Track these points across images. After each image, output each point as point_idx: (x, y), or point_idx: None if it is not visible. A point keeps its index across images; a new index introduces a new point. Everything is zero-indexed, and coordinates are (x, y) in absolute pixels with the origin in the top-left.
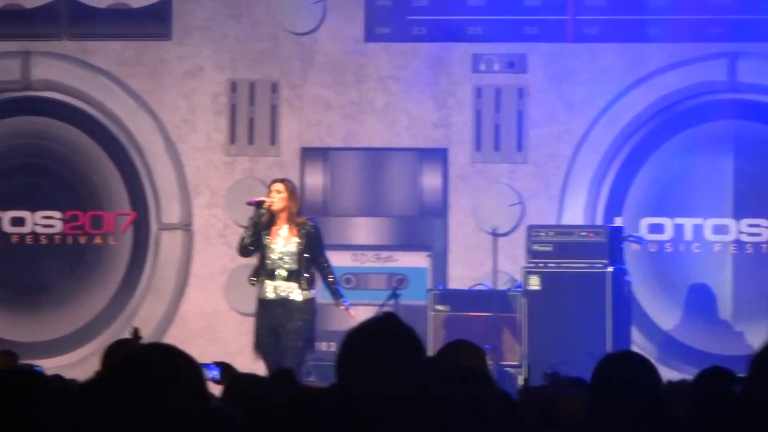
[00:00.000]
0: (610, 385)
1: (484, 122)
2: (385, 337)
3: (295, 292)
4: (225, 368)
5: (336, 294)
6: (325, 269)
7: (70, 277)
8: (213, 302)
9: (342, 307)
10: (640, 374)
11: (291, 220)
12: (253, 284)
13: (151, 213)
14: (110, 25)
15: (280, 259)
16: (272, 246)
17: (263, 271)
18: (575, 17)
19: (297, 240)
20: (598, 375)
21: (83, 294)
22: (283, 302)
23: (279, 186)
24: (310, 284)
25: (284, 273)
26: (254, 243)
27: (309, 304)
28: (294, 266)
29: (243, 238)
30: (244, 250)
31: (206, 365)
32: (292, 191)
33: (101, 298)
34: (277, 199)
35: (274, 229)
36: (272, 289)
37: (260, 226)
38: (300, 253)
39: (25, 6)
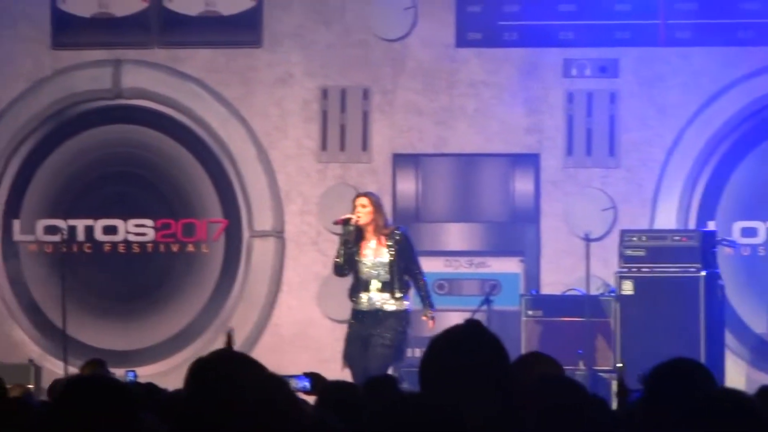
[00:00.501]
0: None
1: (576, 127)
2: (469, 344)
3: (388, 303)
4: (315, 378)
5: (425, 302)
6: (416, 277)
7: (162, 285)
8: (305, 309)
9: (424, 318)
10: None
11: (379, 232)
12: (354, 301)
13: (243, 220)
14: (201, 33)
15: (372, 271)
16: (363, 260)
17: (359, 285)
18: (666, 21)
19: (387, 250)
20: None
21: (176, 302)
22: (376, 312)
23: (363, 200)
24: (403, 294)
25: (378, 284)
26: (347, 261)
27: (402, 314)
28: (386, 277)
29: (336, 258)
30: (338, 270)
31: (296, 376)
32: (376, 204)
33: (194, 306)
34: (363, 213)
35: (363, 243)
36: (366, 300)
37: (350, 243)
38: (391, 263)
39: (116, 14)
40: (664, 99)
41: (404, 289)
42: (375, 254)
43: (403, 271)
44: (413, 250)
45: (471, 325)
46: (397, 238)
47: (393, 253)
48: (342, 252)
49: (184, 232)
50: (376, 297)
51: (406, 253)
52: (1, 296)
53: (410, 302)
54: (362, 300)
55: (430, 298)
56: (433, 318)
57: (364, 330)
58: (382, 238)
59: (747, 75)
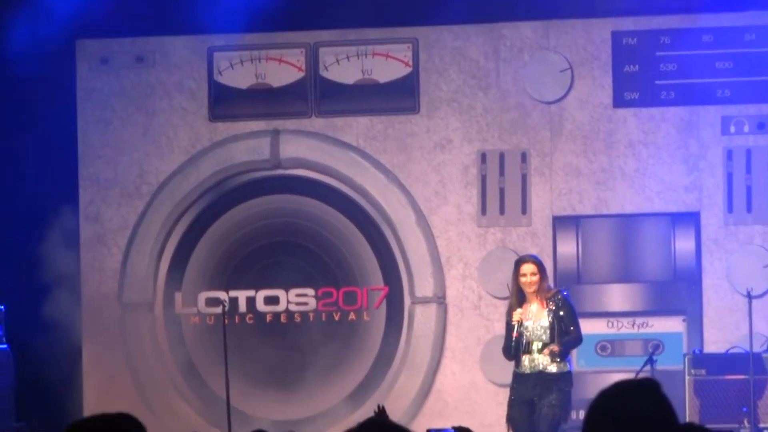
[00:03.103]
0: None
1: (736, 184)
2: (643, 399)
3: (551, 365)
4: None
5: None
6: (572, 335)
7: (325, 354)
8: (469, 374)
9: (546, 351)
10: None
11: (541, 295)
12: (516, 364)
13: (405, 287)
14: (358, 101)
15: (534, 333)
16: (525, 322)
17: (520, 347)
18: None
19: (547, 312)
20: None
21: (339, 370)
22: (539, 375)
23: (531, 268)
24: (565, 355)
25: (539, 346)
26: (516, 345)
27: (565, 376)
28: (547, 339)
29: (504, 344)
30: (507, 354)
31: (444, 430)
32: (542, 269)
33: (357, 374)
34: (530, 282)
35: (525, 305)
36: (528, 362)
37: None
38: (552, 326)
39: (273, 85)
40: None
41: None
42: (537, 317)
43: (564, 333)
44: (574, 314)
45: (646, 381)
46: (559, 301)
47: (554, 315)
48: (510, 339)
49: (346, 301)
50: (538, 359)
51: (568, 316)
52: (165, 368)
53: (572, 363)
54: (524, 363)
55: (567, 346)
56: (554, 350)
57: (527, 393)
58: (544, 301)
59: None
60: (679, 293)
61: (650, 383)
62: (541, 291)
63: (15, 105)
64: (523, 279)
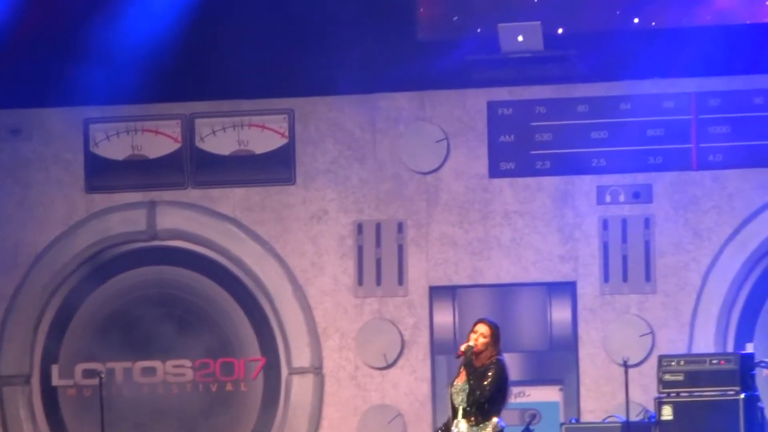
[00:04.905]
0: None
1: (612, 253)
2: None
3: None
4: None
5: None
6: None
7: (202, 424)
8: None
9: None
10: None
11: (481, 359)
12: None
13: (282, 358)
14: (234, 172)
15: (458, 396)
16: (457, 383)
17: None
18: (699, 145)
19: (472, 378)
20: None
21: None
22: None
23: (484, 329)
24: (485, 420)
25: (462, 410)
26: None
27: None
28: (465, 405)
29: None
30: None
31: None
32: (495, 336)
33: None
34: (476, 340)
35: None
36: (454, 427)
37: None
38: (470, 391)
39: (149, 156)
40: (698, 222)
41: (487, 416)
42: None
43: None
44: (498, 378)
45: None
46: (492, 365)
47: (479, 380)
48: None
49: (223, 371)
50: (461, 426)
51: (493, 378)
52: None
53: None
54: (452, 427)
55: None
56: None
57: None
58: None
59: None
60: (556, 362)
61: None
62: (485, 357)
63: None
64: (471, 335)
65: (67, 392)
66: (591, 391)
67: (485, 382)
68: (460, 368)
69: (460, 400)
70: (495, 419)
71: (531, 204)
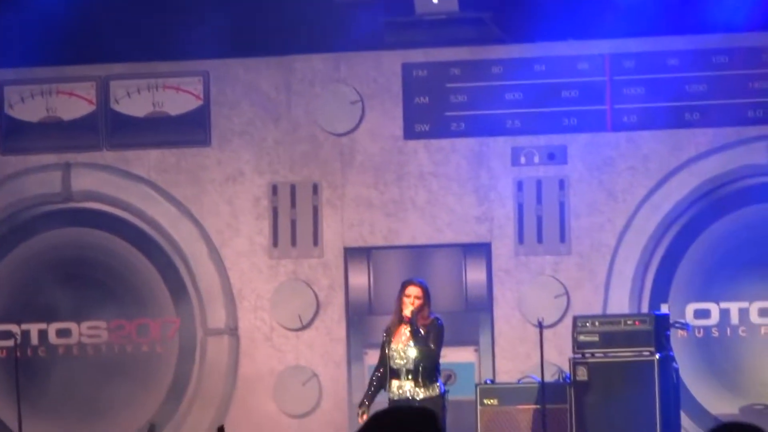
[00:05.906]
0: None
1: (527, 215)
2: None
3: (418, 390)
4: None
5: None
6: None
7: (118, 386)
8: (262, 405)
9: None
10: None
11: (420, 321)
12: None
13: (197, 319)
14: (149, 134)
15: (401, 358)
16: (394, 345)
17: (388, 374)
18: (613, 106)
19: (416, 341)
20: None
21: (131, 403)
22: (406, 402)
23: (416, 291)
24: (434, 381)
25: (406, 373)
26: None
27: (434, 400)
28: (412, 368)
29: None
30: (373, 373)
31: None
32: (427, 295)
33: (150, 406)
34: (412, 304)
35: (400, 327)
36: (395, 388)
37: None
38: (417, 358)
39: (64, 118)
40: (613, 184)
41: (432, 376)
42: (406, 343)
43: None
44: (440, 336)
45: (422, 411)
46: (432, 327)
47: (423, 344)
48: (384, 356)
49: (139, 333)
50: (406, 386)
51: (434, 338)
52: None
53: (444, 388)
54: (392, 388)
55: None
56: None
57: None
58: (421, 327)
59: (695, 157)
60: (471, 323)
61: (426, 412)
62: (421, 317)
63: None
64: (406, 299)
65: None
66: (506, 352)
67: (430, 343)
68: (391, 330)
69: (403, 362)
70: (437, 383)
71: (446, 166)
